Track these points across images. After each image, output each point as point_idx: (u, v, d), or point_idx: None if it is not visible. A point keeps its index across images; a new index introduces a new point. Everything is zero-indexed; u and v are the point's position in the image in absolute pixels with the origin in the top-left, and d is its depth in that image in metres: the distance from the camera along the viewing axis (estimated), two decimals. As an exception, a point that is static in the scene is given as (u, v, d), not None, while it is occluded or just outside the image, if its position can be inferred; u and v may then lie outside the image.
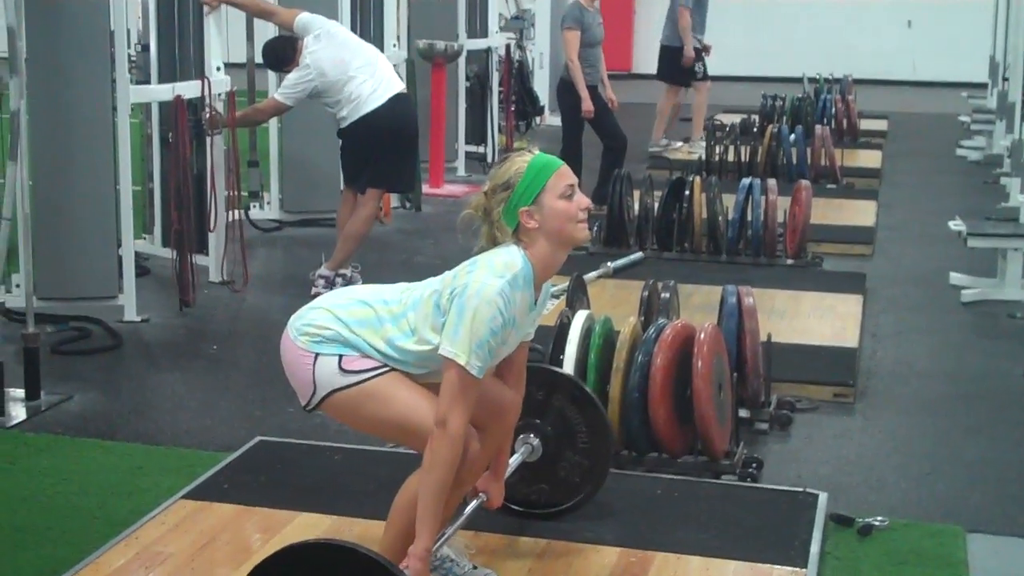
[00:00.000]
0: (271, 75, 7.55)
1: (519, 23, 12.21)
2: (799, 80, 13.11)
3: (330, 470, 4.22)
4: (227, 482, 4.10)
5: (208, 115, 6.46)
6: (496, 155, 10.24)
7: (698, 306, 5.93)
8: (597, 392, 4.08)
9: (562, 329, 4.40)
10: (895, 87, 17.23)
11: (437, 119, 9.56)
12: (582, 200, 3.13)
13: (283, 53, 6.63)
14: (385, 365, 3.12)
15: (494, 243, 3.11)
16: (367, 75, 6.49)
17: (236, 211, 6.72)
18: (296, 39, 6.58)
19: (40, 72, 5.76)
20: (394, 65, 7.06)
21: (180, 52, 6.70)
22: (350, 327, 3.12)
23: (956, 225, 6.88)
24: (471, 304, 2.97)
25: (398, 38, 8.98)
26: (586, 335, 4.36)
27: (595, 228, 7.40)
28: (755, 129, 11.07)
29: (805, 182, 7.58)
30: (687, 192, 7.34)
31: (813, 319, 6.15)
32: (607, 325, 4.42)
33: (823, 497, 4.01)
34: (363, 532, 3.60)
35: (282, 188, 8.40)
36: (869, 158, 11.10)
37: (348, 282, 6.43)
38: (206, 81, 6.43)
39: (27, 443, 4.59)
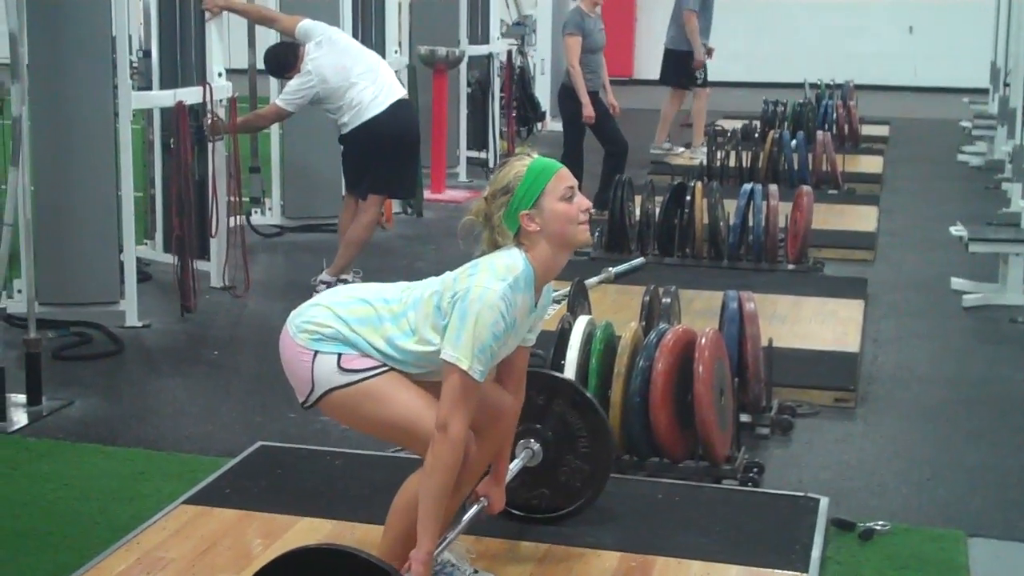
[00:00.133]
0: (273, 81, 7.56)
1: (520, 29, 12.23)
2: (800, 86, 13.11)
3: (331, 475, 4.22)
4: (228, 487, 4.10)
5: (210, 121, 6.47)
6: (497, 161, 10.25)
7: (699, 311, 5.93)
8: (598, 397, 4.08)
9: (563, 334, 4.40)
10: (896, 92, 17.23)
11: (438, 125, 9.56)
12: (582, 202, 3.13)
13: (285, 59, 6.63)
14: (384, 365, 3.12)
15: (495, 248, 3.12)
16: (369, 81, 6.50)
17: (237, 217, 6.72)
18: (298, 45, 6.59)
19: (42, 78, 5.77)
20: (395, 71, 7.07)
21: (182, 58, 6.71)
22: (350, 325, 3.12)
23: (957, 230, 6.87)
24: (474, 309, 2.97)
25: (400, 44, 8.99)
26: (587, 340, 4.36)
27: (596, 233, 7.41)
28: (756, 134, 11.07)
29: (806, 187, 7.58)
30: (688, 197, 7.34)
31: (814, 324, 6.15)
32: (608, 330, 4.42)
33: (824, 502, 4.01)
34: (364, 536, 3.60)
35: (283, 194, 8.40)
36: (870, 163, 11.10)
37: (349, 288, 6.43)
38: (208, 87, 6.43)
39: (28, 448, 4.59)
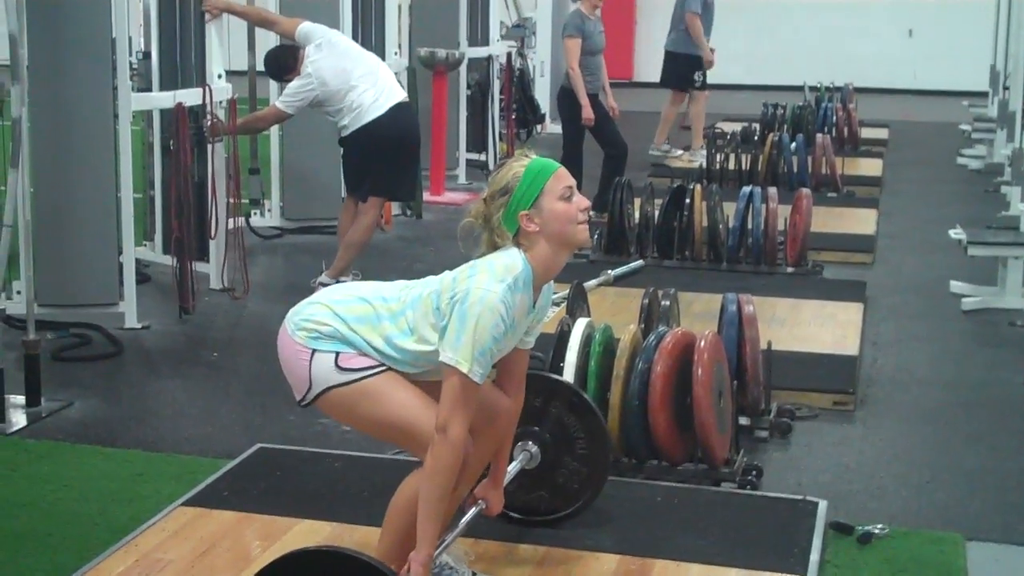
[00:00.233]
0: (272, 83, 7.56)
1: (520, 31, 12.24)
2: (800, 88, 13.13)
3: (330, 477, 4.22)
4: (227, 489, 4.10)
5: (209, 123, 6.47)
6: (497, 163, 10.25)
7: (698, 314, 5.94)
8: (597, 400, 4.09)
9: (562, 337, 4.40)
10: (896, 96, 17.25)
11: (438, 127, 9.57)
12: (581, 201, 3.13)
13: (284, 62, 6.64)
14: (382, 364, 3.12)
15: (495, 249, 3.11)
16: (369, 84, 6.50)
17: (237, 218, 6.72)
18: (297, 48, 6.59)
19: (42, 79, 5.77)
20: (395, 73, 7.08)
21: (181, 60, 6.71)
22: (348, 324, 3.12)
23: (956, 234, 6.88)
24: (474, 311, 2.97)
25: (399, 46, 9.00)
26: (586, 343, 4.36)
27: (596, 236, 7.41)
28: (756, 137, 11.09)
29: (806, 190, 7.58)
30: (688, 200, 7.34)
31: (813, 327, 6.15)
32: (607, 333, 4.42)
33: (823, 505, 4.01)
34: (363, 539, 3.60)
35: (283, 195, 8.40)
36: (870, 166, 11.10)
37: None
38: (207, 89, 6.44)
39: (28, 449, 4.59)
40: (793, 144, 9.67)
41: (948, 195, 10.12)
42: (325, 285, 6.46)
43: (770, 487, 4.28)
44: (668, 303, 5.04)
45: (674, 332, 4.36)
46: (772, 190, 7.47)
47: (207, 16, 6.63)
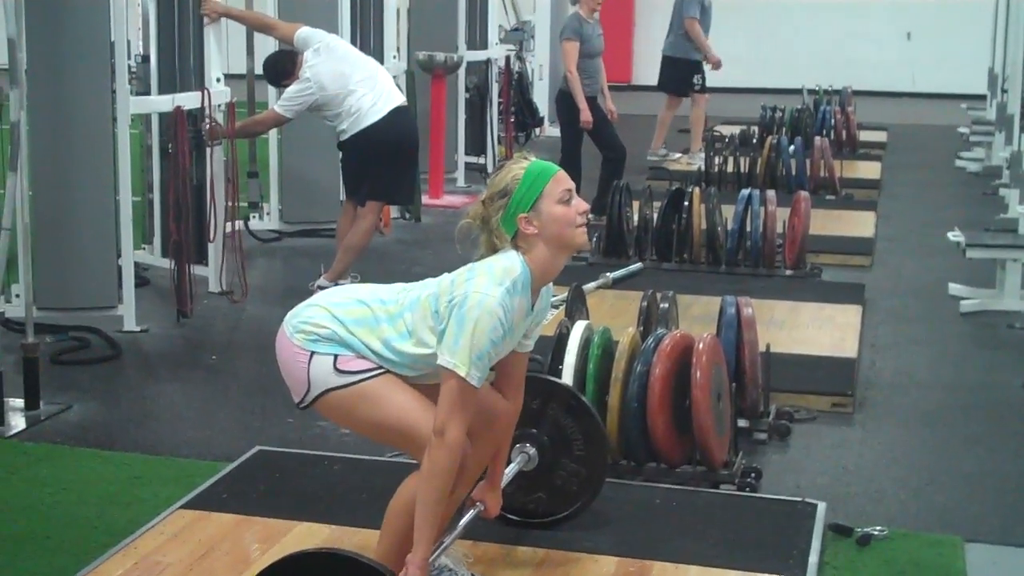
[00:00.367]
0: (271, 86, 7.56)
1: (519, 35, 12.23)
2: (798, 91, 13.13)
3: (329, 480, 4.22)
4: (226, 492, 4.10)
5: (208, 126, 6.48)
6: (495, 166, 10.25)
7: (697, 317, 5.94)
8: (596, 402, 4.09)
9: (561, 339, 4.40)
10: (894, 99, 17.26)
11: (437, 130, 9.57)
12: (580, 204, 3.13)
13: (282, 67, 6.65)
14: (380, 367, 3.12)
15: (493, 251, 3.11)
16: (367, 88, 6.51)
17: (235, 222, 6.73)
18: (296, 53, 6.60)
19: (40, 83, 5.77)
20: (394, 76, 7.08)
21: (180, 63, 6.71)
22: (346, 326, 3.12)
23: (955, 236, 6.88)
24: (472, 315, 2.97)
25: (398, 49, 9.00)
26: (585, 345, 4.36)
27: (594, 239, 7.41)
28: (754, 140, 11.10)
29: (804, 193, 7.58)
30: (686, 203, 7.35)
31: (812, 329, 6.15)
32: (606, 335, 4.43)
33: (822, 507, 4.01)
34: (362, 541, 3.60)
35: (281, 199, 8.41)
36: (868, 169, 11.11)
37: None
38: (206, 92, 6.44)
39: (26, 452, 4.59)
40: (792, 147, 9.67)
41: (946, 198, 10.12)
42: (324, 288, 6.44)
43: (769, 489, 4.28)
44: (667, 306, 5.04)
45: (673, 335, 4.37)
46: (771, 193, 7.48)
47: (206, 20, 6.64)
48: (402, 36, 9.97)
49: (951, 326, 6.48)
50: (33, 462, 4.50)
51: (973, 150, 12.03)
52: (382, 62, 7.55)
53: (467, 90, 10.39)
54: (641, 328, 4.81)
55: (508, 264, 3.05)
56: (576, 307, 5.21)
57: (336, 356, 3.11)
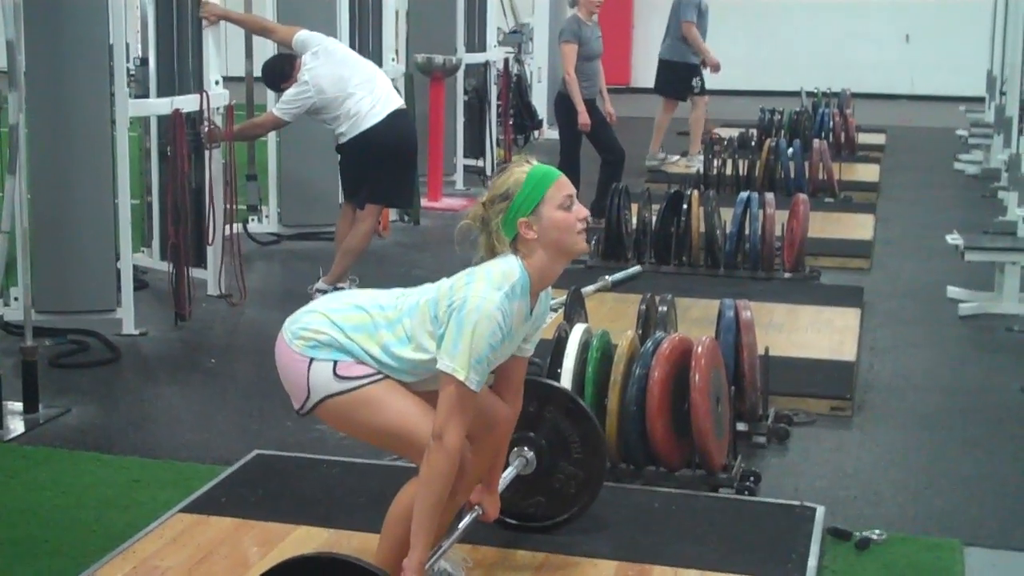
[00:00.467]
0: (269, 90, 7.56)
1: (517, 37, 12.24)
2: (797, 94, 13.14)
3: (328, 483, 4.22)
4: (224, 496, 4.09)
5: (206, 129, 6.48)
6: (494, 169, 10.25)
7: (696, 320, 5.94)
8: (594, 406, 4.09)
9: (559, 343, 4.40)
10: (893, 101, 17.27)
11: (435, 133, 9.57)
12: (580, 210, 3.13)
13: (281, 71, 6.65)
14: (379, 373, 3.12)
15: (492, 253, 3.12)
16: (366, 92, 6.51)
17: (234, 225, 6.72)
18: (294, 57, 6.60)
19: (39, 86, 5.77)
20: (392, 79, 7.08)
21: (179, 66, 6.72)
22: (345, 332, 3.12)
23: (953, 239, 6.88)
24: (471, 319, 2.97)
25: (396, 52, 9.00)
26: (584, 349, 4.36)
27: (593, 242, 7.41)
28: (753, 143, 11.10)
29: (803, 196, 7.58)
30: (685, 206, 7.35)
31: (811, 333, 6.15)
32: (605, 339, 4.42)
33: (820, 511, 4.01)
34: (361, 545, 3.60)
35: (280, 202, 8.41)
36: (867, 172, 11.11)
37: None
38: (205, 95, 6.44)
39: (25, 456, 4.59)
40: (790, 149, 9.67)
41: (945, 200, 10.12)
42: (322, 291, 6.46)
43: (768, 493, 4.28)
44: (665, 309, 5.04)
45: (671, 338, 4.36)
46: (769, 195, 7.48)
47: (204, 23, 6.63)
48: (401, 39, 9.95)
49: (950, 329, 6.48)
50: (32, 466, 4.50)
51: (972, 152, 12.03)
52: (381, 65, 7.55)
53: (466, 93, 10.39)
54: (640, 331, 4.81)
55: (507, 268, 3.06)
56: (575, 310, 5.22)
57: (336, 362, 3.11)
